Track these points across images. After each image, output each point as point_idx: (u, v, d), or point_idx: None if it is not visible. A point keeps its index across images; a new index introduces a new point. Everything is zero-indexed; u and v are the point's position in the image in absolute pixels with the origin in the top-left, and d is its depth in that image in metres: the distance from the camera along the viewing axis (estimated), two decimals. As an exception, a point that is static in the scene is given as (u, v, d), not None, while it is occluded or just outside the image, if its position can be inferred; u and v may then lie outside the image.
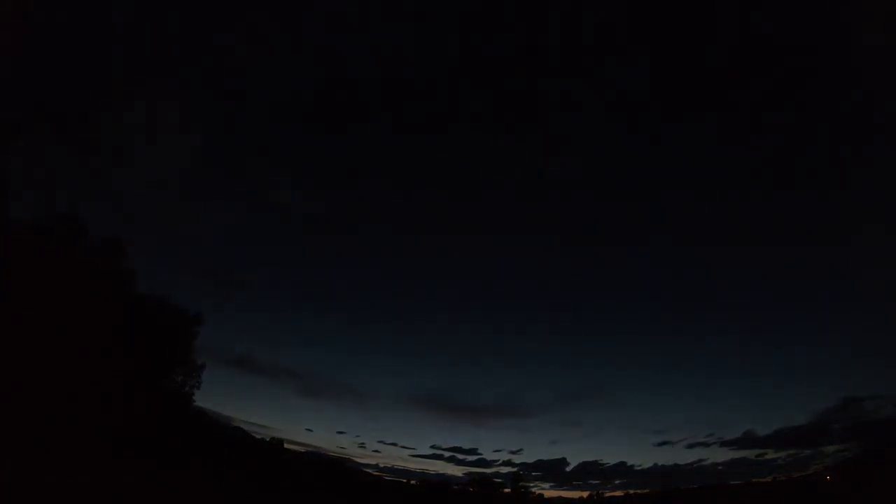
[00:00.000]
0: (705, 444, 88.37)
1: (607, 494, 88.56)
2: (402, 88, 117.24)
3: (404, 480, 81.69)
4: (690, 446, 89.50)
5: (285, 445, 64.94)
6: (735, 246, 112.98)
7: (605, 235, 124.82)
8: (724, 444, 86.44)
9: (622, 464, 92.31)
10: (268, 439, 64.64)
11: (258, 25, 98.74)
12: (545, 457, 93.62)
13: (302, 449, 72.43)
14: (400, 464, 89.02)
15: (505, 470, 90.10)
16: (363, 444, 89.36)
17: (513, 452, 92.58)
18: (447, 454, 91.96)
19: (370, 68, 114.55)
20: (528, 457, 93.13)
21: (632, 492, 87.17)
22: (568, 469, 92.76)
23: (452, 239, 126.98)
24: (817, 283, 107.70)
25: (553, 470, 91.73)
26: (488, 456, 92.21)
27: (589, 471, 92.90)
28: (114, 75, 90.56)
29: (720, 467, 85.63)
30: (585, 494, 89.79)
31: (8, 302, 24.56)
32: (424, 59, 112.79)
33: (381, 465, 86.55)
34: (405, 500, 71.17)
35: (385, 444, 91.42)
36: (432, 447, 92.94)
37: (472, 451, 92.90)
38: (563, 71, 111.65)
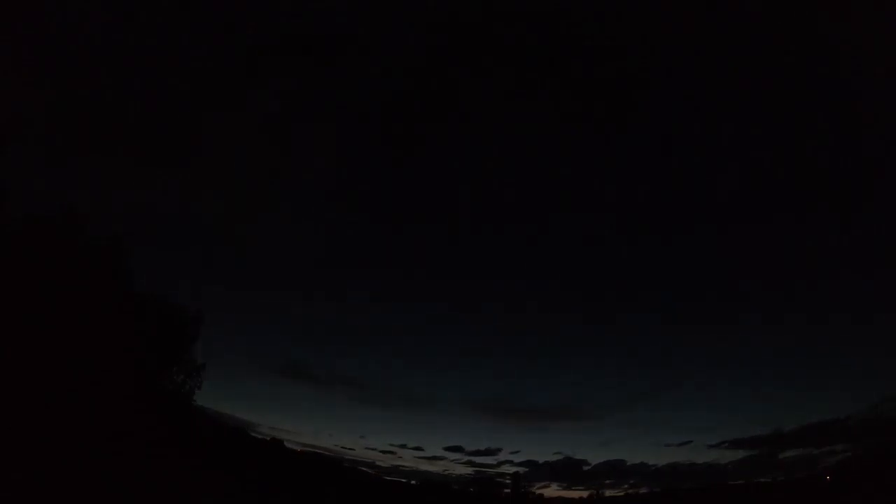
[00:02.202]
0: (729, 443, 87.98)
1: (607, 494, 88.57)
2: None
3: (404, 480, 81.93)
4: (712, 446, 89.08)
5: (286, 445, 65.27)
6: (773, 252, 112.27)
7: (641, 246, 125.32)
8: (739, 442, 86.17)
9: (643, 464, 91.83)
10: (268, 439, 64.92)
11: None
12: (581, 457, 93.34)
13: (305, 449, 72.47)
14: (406, 464, 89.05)
15: (521, 470, 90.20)
16: (373, 447, 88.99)
17: (529, 453, 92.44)
18: (457, 455, 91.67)
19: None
20: (553, 457, 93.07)
21: (631, 491, 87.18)
22: (586, 469, 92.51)
23: (504, 244, 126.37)
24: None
25: (567, 470, 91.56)
26: (505, 457, 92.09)
27: (602, 471, 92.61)
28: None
29: (730, 467, 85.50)
30: (586, 494, 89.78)
31: (6, 300, 24.78)
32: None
33: (387, 466, 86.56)
34: (401, 499, 71.22)
35: (406, 447, 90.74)
36: (445, 448, 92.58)
37: (490, 452, 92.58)
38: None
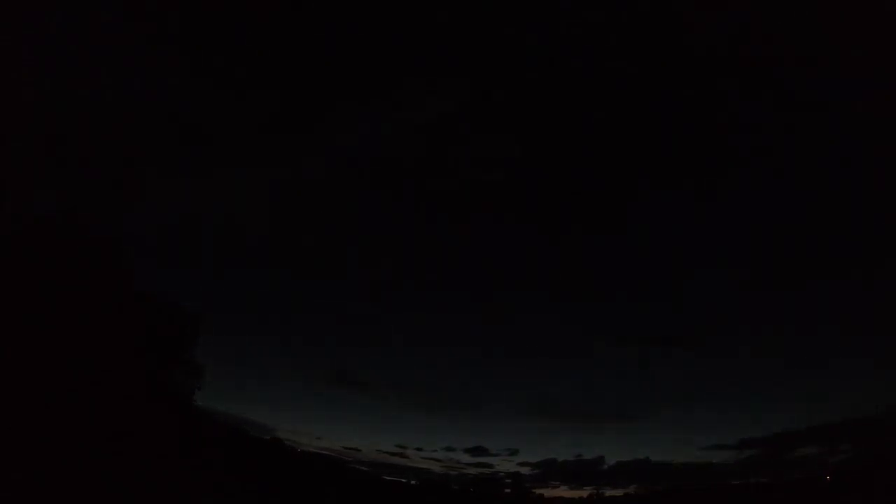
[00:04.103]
0: (732, 443, 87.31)
1: (608, 494, 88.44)
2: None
3: (403, 480, 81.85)
4: (714, 446, 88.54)
5: (286, 444, 65.37)
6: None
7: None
8: (742, 442, 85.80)
9: (654, 464, 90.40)
10: (268, 438, 65.01)
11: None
12: (599, 457, 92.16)
13: (309, 450, 72.43)
14: (408, 464, 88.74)
15: (535, 471, 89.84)
16: (380, 448, 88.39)
17: (549, 453, 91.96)
18: (465, 456, 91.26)
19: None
20: (572, 457, 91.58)
21: (632, 491, 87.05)
22: (601, 469, 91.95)
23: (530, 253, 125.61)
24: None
25: (580, 470, 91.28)
26: (524, 457, 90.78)
27: (612, 471, 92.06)
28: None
29: (731, 467, 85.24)
30: (585, 494, 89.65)
31: (6, 300, 24.83)
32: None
33: (399, 466, 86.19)
34: (401, 499, 71.31)
35: (422, 449, 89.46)
36: (466, 450, 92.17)
37: (511, 452, 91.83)
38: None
